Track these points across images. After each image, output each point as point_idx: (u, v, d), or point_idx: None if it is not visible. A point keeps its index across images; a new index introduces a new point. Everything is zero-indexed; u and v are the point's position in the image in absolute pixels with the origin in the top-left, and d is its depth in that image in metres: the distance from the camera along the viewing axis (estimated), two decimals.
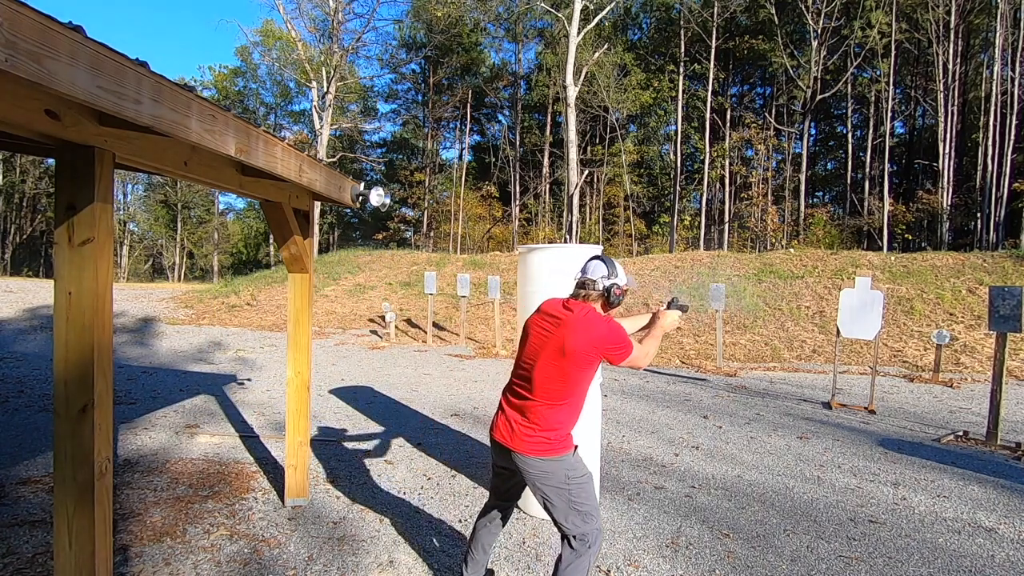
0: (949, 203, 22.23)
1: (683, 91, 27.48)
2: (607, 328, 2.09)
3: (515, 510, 3.55)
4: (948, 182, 22.42)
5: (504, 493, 2.42)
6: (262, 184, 2.90)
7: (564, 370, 2.08)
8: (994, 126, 21.18)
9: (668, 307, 2.51)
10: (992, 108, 21.29)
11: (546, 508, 2.17)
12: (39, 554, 2.82)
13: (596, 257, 2.25)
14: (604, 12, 23.26)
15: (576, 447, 2.23)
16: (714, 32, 26.70)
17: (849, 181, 28.24)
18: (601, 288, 2.18)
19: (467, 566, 2.47)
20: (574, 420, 2.19)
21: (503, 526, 2.51)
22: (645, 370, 9.15)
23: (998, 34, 20.93)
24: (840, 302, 6.69)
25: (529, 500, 3.48)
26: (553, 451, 2.11)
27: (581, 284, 2.21)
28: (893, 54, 23.63)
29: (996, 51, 21.08)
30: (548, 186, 32.10)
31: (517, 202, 32.18)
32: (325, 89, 24.97)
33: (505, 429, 2.19)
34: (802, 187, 26.14)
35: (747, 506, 3.68)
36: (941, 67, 22.89)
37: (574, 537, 2.13)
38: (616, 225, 31.58)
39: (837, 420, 6.06)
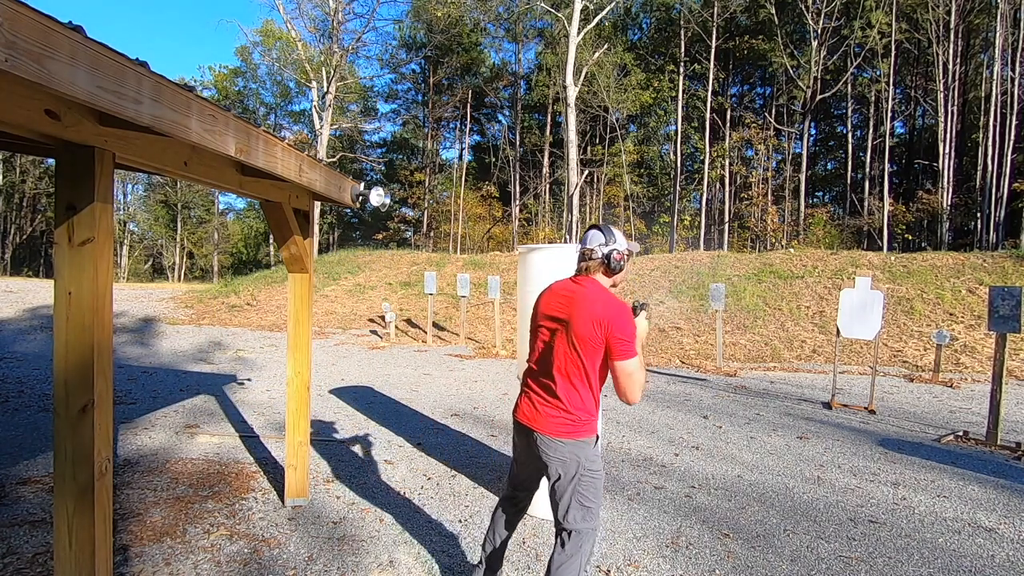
0: (949, 203, 22.23)
1: (683, 91, 27.48)
2: (618, 308, 2.01)
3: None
4: (948, 182, 22.42)
5: (522, 482, 2.40)
6: (262, 184, 2.90)
7: (576, 347, 2.05)
8: (994, 126, 21.18)
9: (633, 313, 2.21)
10: (992, 108, 21.29)
11: (552, 493, 2.16)
12: (39, 554, 2.82)
13: (593, 226, 2.21)
14: (604, 12, 23.25)
15: (598, 437, 2.20)
16: (714, 32, 26.70)
17: (849, 181, 28.24)
18: (600, 255, 2.13)
19: (484, 554, 2.47)
20: (594, 401, 2.13)
21: (520, 516, 2.49)
22: (646, 370, 9.15)
23: (998, 34, 20.92)
24: (840, 302, 6.69)
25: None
26: (575, 433, 2.08)
27: (582, 256, 2.18)
28: (893, 54, 23.63)
29: (996, 51, 21.08)
30: (548, 186, 32.10)
31: (517, 202, 32.18)
32: (325, 89, 24.97)
33: (529, 410, 2.18)
34: (802, 187, 26.14)
35: (747, 506, 3.68)
36: (941, 67, 22.88)
37: (568, 533, 2.11)
38: (616, 225, 31.55)
39: (837, 420, 6.06)
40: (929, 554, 3.08)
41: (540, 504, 3.44)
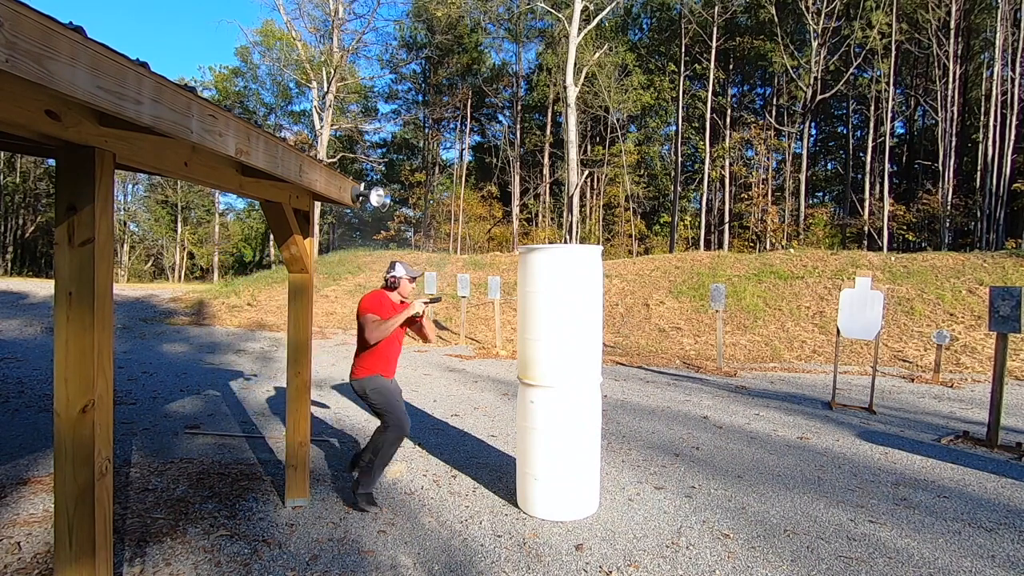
0: (949, 203, 22.22)
1: (683, 91, 27.47)
2: (367, 298, 3.49)
3: (515, 509, 3.56)
4: (948, 182, 22.41)
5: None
6: (262, 184, 2.90)
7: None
8: (994, 126, 21.17)
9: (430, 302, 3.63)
10: (992, 108, 21.28)
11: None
12: (39, 554, 2.83)
13: (391, 263, 3.63)
14: (604, 12, 23.25)
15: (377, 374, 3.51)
16: (714, 32, 26.68)
17: (849, 181, 28.23)
18: (384, 280, 3.63)
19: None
20: (366, 355, 3.51)
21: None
22: (646, 370, 9.16)
23: (998, 34, 20.92)
24: (840, 302, 6.68)
25: (529, 500, 3.48)
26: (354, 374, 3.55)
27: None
28: (893, 54, 23.61)
29: (996, 51, 21.08)
30: (548, 186, 32.08)
31: (518, 202, 32.16)
32: (325, 89, 24.96)
33: None
34: (802, 187, 26.12)
35: (747, 506, 3.68)
36: (941, 67, 22.88)
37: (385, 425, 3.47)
38: (616, 225, 31.57)
39: (837, 420, 6.06)
40: (929, 555, 3.08)
41: (540, 504, 3.45)
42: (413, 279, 3.63)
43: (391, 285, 3.58)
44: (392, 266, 3.61)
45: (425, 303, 3.56)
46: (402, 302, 3.65)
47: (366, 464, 3.52)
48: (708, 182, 28.70)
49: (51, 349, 8.80)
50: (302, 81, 27.23)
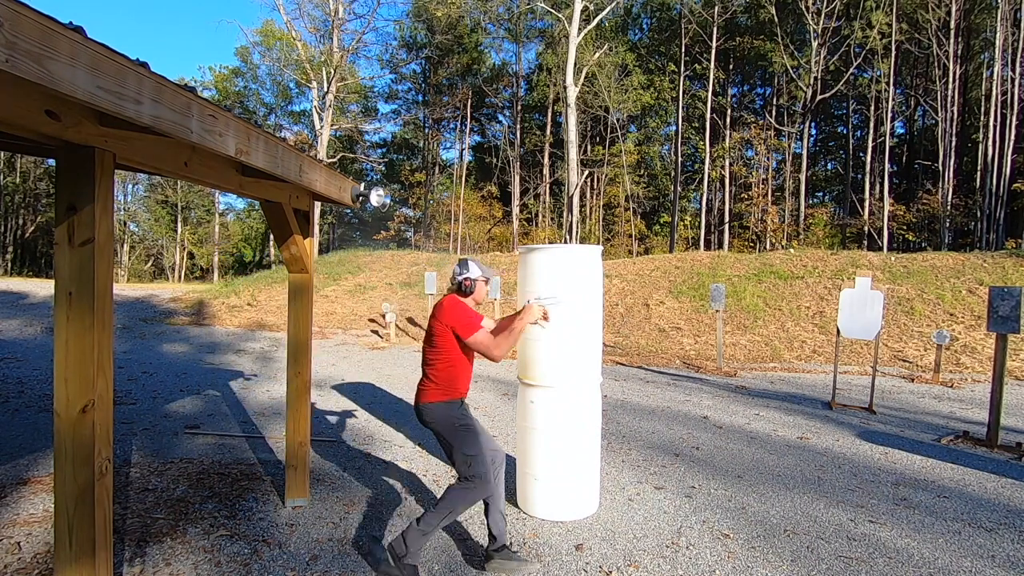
0: (949, 203, 22.23)
1: (683, 91, 27.47)
2: (454, 309, 2.81)
3: (515, 509, 3.55)
4: (948, 182, 22.42)
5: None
6: (262, 184, 2.90)
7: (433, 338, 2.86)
8: (994, 126, 21.18)
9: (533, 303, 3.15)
10: (992, 108, 21.28)
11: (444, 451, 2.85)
12: (39, 554, 2.83)
13: (460, 261, 2.98)
14: (604, 12, 23.25)
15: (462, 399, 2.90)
16: (714, 32, 26.69)
17: (849, 181, 28.23)
18: (454, 283, 2.94)
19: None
20: (458, 375, 2.87)
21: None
22: (646, 370, 9.16)
23: (998, 34, 20.92)
24: (840, 302, 6.68)
25: (529, 500, 3.48)
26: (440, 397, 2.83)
27: (450, 281, 2.97)
28: (893, 54, 23.62)
29: (996, 51, 21.08)
30: (548, 186, 32.09)
31: (518, 202, 32.16)
32: (325, 89, 24.96)
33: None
34: (802, 187, 26.12)
35: (747, 506, 3.68)
36: (941, 67, 22.88)
37: (465, 478, 2.73)
38: (616, 225, 31.57)
39: (837, 420, 6.06)
40: (929, 555, 3.08)
41: (539, 504, 3.45)
42: (487, 280, 2.99)
43: (466, 290, 2.90)
44: (464, 265, 2.92)
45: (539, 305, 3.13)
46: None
47: (418, 518, 2.75)
48: (708, 182, 28.69)
49: (51, 349, 8.80)
50: (302, 81, 27.24)
